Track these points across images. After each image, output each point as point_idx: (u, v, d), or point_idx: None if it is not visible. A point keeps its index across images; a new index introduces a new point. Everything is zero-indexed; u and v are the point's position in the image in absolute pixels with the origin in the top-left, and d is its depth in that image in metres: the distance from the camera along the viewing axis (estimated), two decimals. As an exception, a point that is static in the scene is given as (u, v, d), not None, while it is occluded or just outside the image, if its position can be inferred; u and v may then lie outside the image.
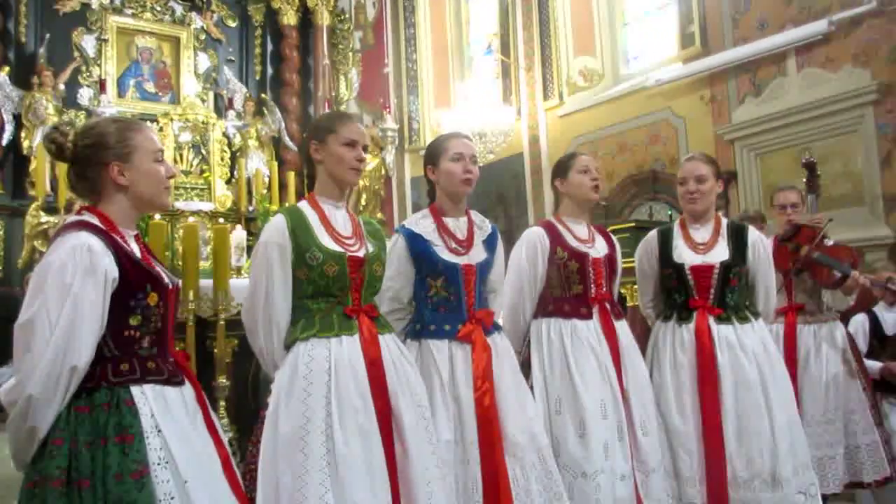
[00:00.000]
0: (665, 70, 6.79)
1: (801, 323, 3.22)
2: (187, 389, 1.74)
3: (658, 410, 2.61)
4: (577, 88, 7.69)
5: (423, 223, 2.36)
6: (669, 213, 6.28)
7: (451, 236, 2.33)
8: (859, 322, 3.46)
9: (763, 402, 2.57)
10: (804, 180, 3.66)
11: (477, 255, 2.35)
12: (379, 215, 8.18)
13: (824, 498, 2.81)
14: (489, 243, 2.41)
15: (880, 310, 3.49)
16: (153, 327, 1.69)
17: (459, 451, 2.15)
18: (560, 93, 7.78)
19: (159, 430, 1.59)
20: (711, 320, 2.63)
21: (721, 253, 2.72)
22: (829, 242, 3.28)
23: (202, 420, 1.73)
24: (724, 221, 2.82)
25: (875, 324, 3.43)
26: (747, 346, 2.63)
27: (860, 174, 5.42)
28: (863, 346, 3.43)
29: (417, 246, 2.29)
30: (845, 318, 3.67)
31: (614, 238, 2.81)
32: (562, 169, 2.72)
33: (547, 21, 7.93)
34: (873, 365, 3.38)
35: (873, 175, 5.36)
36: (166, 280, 1.74)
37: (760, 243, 2.80)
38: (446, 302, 2.28)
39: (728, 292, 2.69)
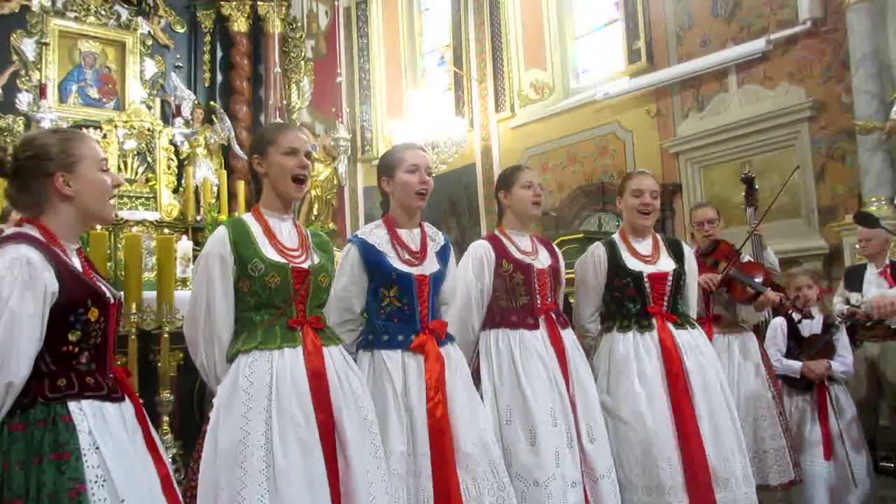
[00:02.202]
0: (613, 84, 6.96)
1: (716, 333, 3.35)
2: (127, 406, 1.69)
3: (623, 421, 2.59)
4: (528, 101, 7.80)
5: (376, 233, 2.35)
6: (618, 223, 6.41)
7: (405, 247, 2.33)
8: (777, 324, 3.60)
9: (724, 402, 2.68)
10: (743, 194, 3.80)
11: (430, 266, 2.35)
12: (331, 225, 8.10)
13: None
14: (442, 255, 2.42)
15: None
16: (93, 342, 1.64)
17: (411, 463, 2.14)
18: (511, 105, 7.89)
19: (97, 448, 1.55)
20: (671, 326, 2.71)
21: (668, 262, 2.81)
22: (746, 259, 3.42)
23: (142, 437, 1.69)
24: (659, 236, 2.93)
25: (791, 326, 3.58)
26: (703, 348, 2.75)
27: (797, 187, 5.65)
28: (782, 346, 3.59)
29: (371, 256, 2.29)
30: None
31: (557, 249, 2.86)
32: (506, 182, 2.76)
33: (499, 34, 8.04)
34: (793, 364, 3.53)
35: (809, 188, 5.59)
36: (108, 295, 1.70)
37: (692, 256, 2.95)
38: (400, 312, 2.28)
39: (679, 299, 2.80)
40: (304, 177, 2.11)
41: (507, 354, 2.52)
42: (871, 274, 4.15)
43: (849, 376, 3.59)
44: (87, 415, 1.57)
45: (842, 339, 3.54)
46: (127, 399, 1.70)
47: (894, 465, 4.08)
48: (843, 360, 3.51)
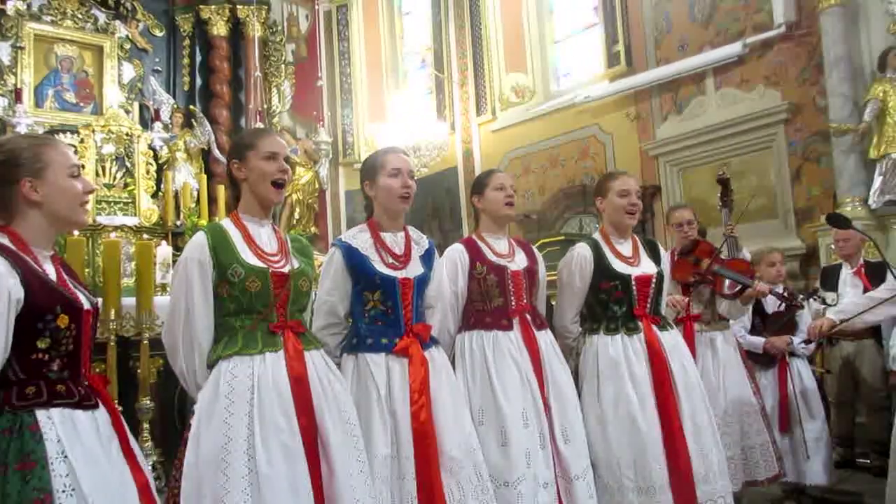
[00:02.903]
0: (593, 87, 7.02)
1: (697, 331, 3.39)
2: (101, 414, 1.67)
3: (615, 424, 2.60)
4: (509, 104, 7.84)
5: (360, 237, 2.35)
6: (598, 225, 6.46)
7: (388, 251, 2.34)
8: None
9: (702, 399, 2.72)
10: (719, 195, 3.86)
11: (414, 269, 2.35)
12: (313, 229, 8.07)
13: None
14: (426, 258, 2.42)
15: None
16: (64, 350, 1.62)
17: (395, 466, 2.14)
18: (493, 108, 7.93)
19: (65, 456, 1.53)
20: (655, 328, 2.73)
21: (650, 265, 2.83)
22: (724, 256, 3.48)
23: (118, 446, 1.67)
24: (637, 237, 2.94)
25: (757, 303, 3.67)
26: (682, 348, 2.79)
27: (774, 189, 5.73)
28: (747, 323, 3.70)
29: (354, 259, 2.29)
30: None
31: (536, 251, 2.86)
32: (479, 186, 2.77)
33: (479, 37, 8.07)
34: (756, 340, 3.66)
35: (785, 189, 5.67)
36: (82, 301, 1.68)
37: (667, 257, 2.98)
38: (383, 316, 2.28)
39: (659, 301, 2.83)
40: (283, 181, 2.11)
41: (481, 356, 2.53)
42: (846, 274, 4.23)
43: (810, 351, 3.77)
44: (55, 423, 1.55)
45: (804, 316, 3.69)
46: (102, 407, 1.68)
47: (871, 461, 4.15)
48: (805, 335, 3.62)
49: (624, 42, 6.77)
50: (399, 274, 2.30)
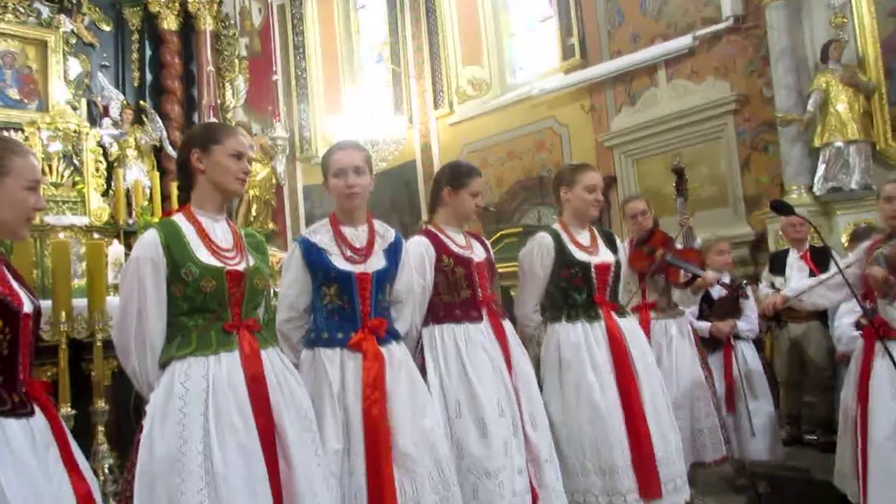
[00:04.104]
0: (548, 80, 7.09)
1: (653, 319, 3.48)
2: (38, 421, 1.62)
3: (577, 409, 2.66)
4: (466, 97, 7.87)
5: (320, 232, 2.36)
6: (556, 217, 6.53)
7: (348, 245, 2.33)
8: None
9: (660, 384, 2.82)
10: (674, 184, 3.94)
11: (375, 263, 2.34)
12: (271, 226, 7.97)
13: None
14: (391, 252, 2.40)
15: None
16: None
17: (346, 462, 2.14)
18: (450, 101, 7.94)
19: None
20: (614, 315, 2.80)
21: (607, 253, 2.89)
22: (679, 246, 3.58)
23: (56, 455, 1.62)
24: (594, 227, 3.00)
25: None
26: (638, 335, 2.87)
27: (724, 177, 5.89)
28: (695, 309, 3.82)
29: (312, 255, 2.29)
30: None
31: (487, 242, 2.90)
32: (456, 181, 2.70)
33: (435, 31, 8.06)
34: (702, 325, 3.79)
35: (735, 178, 5.83)
36: (22, 304, 1.63)
37: (622, 246, 3.05)
38: (340, 310, 2.28)
39: (616, 289, 2.89)
40: (245, 180, 2.10)
41: (453, 348, 2.54)
42: (793, 258, 4.38)
43: (754, 334, 3.90)
44: None
45: (749, 301, 3.84)
46: (39, 414, 1.63)
47: (818, 438, 4.32)
48: (749, 319, 3.83)
49: (578, 35, 6.85)
50: (357, 268, 2.29)
